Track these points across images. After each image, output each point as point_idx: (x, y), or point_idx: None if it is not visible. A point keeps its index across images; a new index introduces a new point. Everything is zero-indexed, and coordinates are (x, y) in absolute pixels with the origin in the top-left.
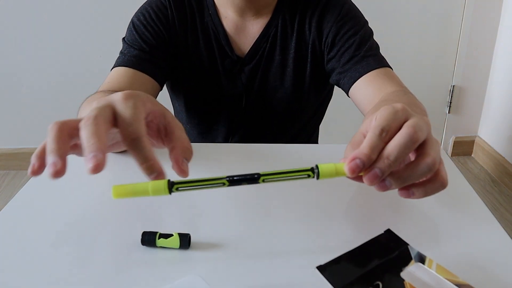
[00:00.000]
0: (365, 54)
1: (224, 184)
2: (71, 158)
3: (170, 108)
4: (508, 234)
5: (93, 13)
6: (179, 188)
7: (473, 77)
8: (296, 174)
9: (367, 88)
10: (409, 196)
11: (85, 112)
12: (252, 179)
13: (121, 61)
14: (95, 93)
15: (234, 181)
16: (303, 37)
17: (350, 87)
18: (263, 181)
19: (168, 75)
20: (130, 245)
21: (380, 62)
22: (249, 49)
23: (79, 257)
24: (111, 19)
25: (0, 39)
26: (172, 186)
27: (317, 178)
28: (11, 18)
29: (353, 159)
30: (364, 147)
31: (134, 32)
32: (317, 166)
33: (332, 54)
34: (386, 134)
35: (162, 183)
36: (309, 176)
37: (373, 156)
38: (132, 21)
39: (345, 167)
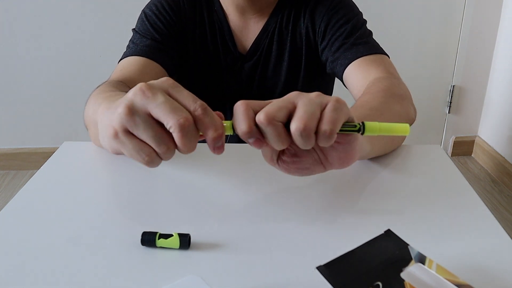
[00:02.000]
0: (354, 42)
1: None
2: (70, 158)
3: None
4: (508, 234)
5: (93, 13)
6: None
7: (473, 77)
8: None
9: (355, 75)
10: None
11: (98, 105)
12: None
13: (133, 51)
14: (105, 83)
15: None
16: (298, 30)
17: (342, 74)
18: None
19: (178, 65)
20: (130, 245)
21: (370, 49)
22: (250, 46)
23: (79, 257)
24: (111, 19)
25: (0, 39)
26: None
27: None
28: (11, 18)
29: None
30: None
31: (147, 22)
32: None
33: (324, 43)
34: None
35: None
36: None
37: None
38: (144, 12)
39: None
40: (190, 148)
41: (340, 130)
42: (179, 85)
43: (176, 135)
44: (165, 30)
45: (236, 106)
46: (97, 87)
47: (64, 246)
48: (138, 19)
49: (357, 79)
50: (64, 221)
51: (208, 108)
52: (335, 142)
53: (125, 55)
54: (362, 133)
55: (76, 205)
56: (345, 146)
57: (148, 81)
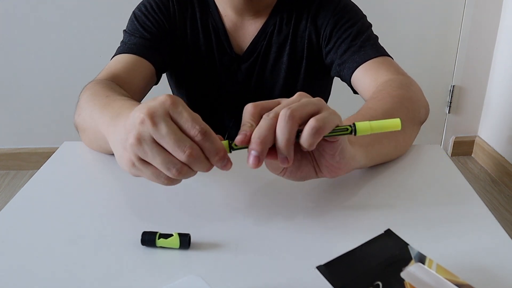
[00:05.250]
0: (362, 44)
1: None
2: (70, 158)
3: None
4: (508, 234)
5: (93, 12)
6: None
7: (473, 77)
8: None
9: (365, 77)
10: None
11: (98, 113)
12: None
13: (122, 49)
14: (94, 82)
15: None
16: (298, 33)
17: (350, 78)
18: None
19: (167, 65)
20: (130, 245)
21: (378, 51)
22: (247, 47)
23: (79, 257)
24: (111, 19)
25: (0, 39)
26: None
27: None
28: (11, 18)
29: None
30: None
31: (136, 22)
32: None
33: (329, 46)
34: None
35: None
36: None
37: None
38: (133, 12)
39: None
40: (206, 169)
41: (333, 133)
42: (178, 103)
43: (188, 166)
44: (154, 29)
45: (283, 114)
46: (86, 86)
47: (64, 246)
48: (129, 19)
49: (368, 80)
50: (64, 221)
51: (208, 131)
52: (322, 148)
53: (114, 54)
54: (355, 134)
55: (76, 205)
56: (332, 154)
57: (138, 79)
